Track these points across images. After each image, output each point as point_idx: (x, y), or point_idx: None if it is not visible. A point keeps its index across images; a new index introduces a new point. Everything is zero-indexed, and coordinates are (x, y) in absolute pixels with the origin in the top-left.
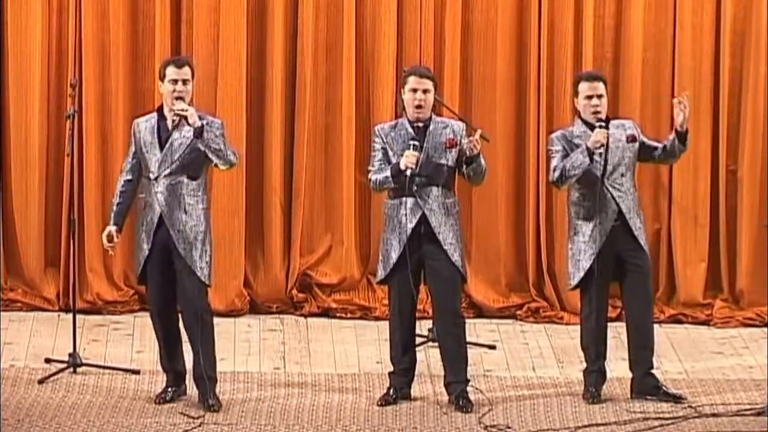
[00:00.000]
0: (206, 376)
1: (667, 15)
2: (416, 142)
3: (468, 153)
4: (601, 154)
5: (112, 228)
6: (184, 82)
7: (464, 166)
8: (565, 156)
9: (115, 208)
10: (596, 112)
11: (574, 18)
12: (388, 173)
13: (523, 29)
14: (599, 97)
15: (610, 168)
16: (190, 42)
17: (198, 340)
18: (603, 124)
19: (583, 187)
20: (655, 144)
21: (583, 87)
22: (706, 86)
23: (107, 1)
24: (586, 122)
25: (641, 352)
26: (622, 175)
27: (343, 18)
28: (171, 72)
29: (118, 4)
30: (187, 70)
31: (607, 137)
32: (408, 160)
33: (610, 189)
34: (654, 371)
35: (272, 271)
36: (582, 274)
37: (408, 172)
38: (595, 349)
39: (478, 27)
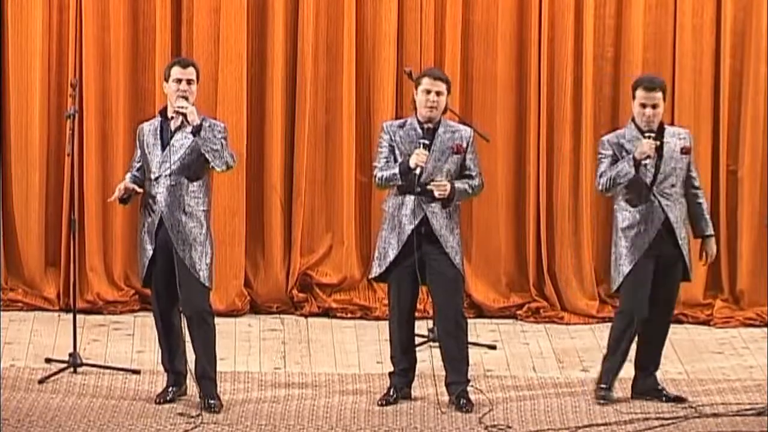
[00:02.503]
0: (207, 377)
1: (667, 15)
2: (426, 141)
3: (437, 196)
4: (646, 165)
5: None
6: (188, 82)
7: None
8: (614, 161)
9: (126, 179)
10: (649, 122)
11: (575, 18)
12: (396, 170)
13: (523, 29)
14: (654, 107)
15: (660, 177)
16: (190, 42)
17: (200, 342)
18: (652, 134)
19: (630, 193)
20: (694, 175)
21: (640, 94)
22: (707, 86)
23: (108, 1)
24: (638, 127)
25: (651, 356)
26: (673, 185)
27: (343, 17)
28: (175, 72)
29: (119, 3)
30: (191, 70)
31: (655, 148)
32: (418, 158)
33: (659, 197)
34: (656, 373)
35: (273, 270)
36: (621, 278)
37: (417, 171)
38: (621, 351)
39: (479, 27)
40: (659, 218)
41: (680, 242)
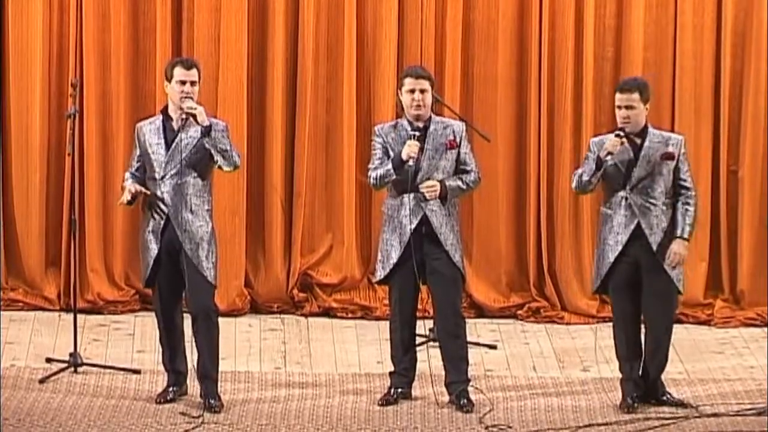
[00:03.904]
0: (209, 376)
1: (667, 15)
2: (417, 133)
3: (428, 198)
4: (616, 163)
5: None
6: (192, 83)
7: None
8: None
9: (129, 180)
10: (625, 123)
11: (575, 18)
12: (389, 166)
13: (524, 29)
14: (628, 108)
15: (634, 180)
16: (191, 42)
17: (203, 340)
18: (620, 133)
19: (607, 195)
20: (684, 184)
21: (617, 96)
22: (707, 86)
23: (108, 1)
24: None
25: (654, 365)
26: (649, 189)
27: (343, 18)
28: (179, 73)
29: (119, 3)
30: (194, 71)
31: (620, 145)
32: (410, 149)
33: (631, 201)
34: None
35: (273, 270)
36: (599, 281)
37: (410, 162)
38: (626, 358)
39: (479, 26)
40: (631, 222)
41: (656, 249)
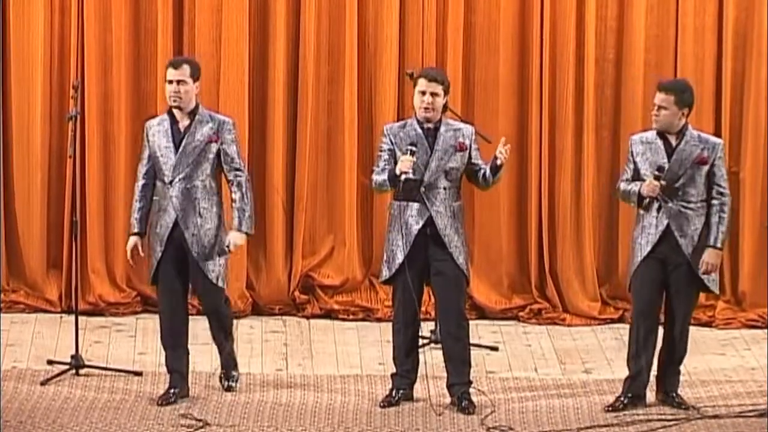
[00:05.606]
0: (224, 349)
1: (668, 17)
2: (414, 148)
3: (500, 162)
4: (648, 164)
5: (136, 238)
6: (179, 82)
7: (493, 174)
8: (634, 162)
9: (137, 213)
10: (656, 122)
11: (576, 20)
12: (385, 176)
13: (525, 31)
14: (659, 107)
15: (666, 181)
16: (192, 43)
17: (216, 328)
18: (659, 174)
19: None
20: (719, 189)
21: (656, 96)
22: (708, 88)
23: (109, 3)
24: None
25: (669, 361)
26: (681, 192)
27: (345, 20)
28: (168, 73)
29: (121, 5)
30: (181, 71)
31: (660, 189)
32: (403, 165)
33: (662, 203)
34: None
35: (275, 272)
36: (629, 278)
37: (402, 177)
38: (636, 356)
39: (480, 29)
40: (661, 222)
41: (684, 250)
